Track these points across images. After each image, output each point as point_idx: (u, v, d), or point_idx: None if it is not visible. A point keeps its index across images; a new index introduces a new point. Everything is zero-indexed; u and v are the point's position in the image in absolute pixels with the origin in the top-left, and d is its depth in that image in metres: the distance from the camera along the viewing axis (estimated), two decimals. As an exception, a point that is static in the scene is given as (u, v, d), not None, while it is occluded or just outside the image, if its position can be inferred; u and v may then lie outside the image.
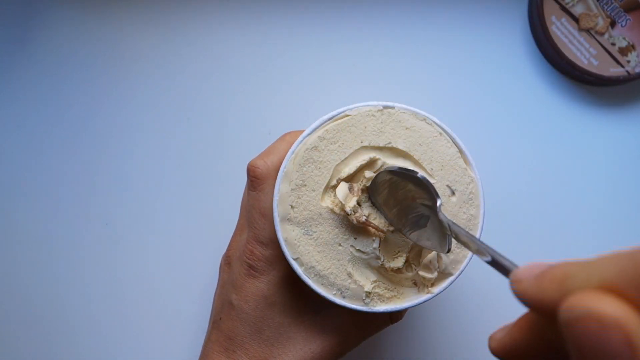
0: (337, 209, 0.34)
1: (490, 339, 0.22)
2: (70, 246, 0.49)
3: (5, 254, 0.49)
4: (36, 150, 0.50)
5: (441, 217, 0.30)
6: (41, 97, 0.50)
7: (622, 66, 0.48)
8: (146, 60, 0.51)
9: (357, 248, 0.34)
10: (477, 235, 0.35)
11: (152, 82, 0.51)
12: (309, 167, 0.34)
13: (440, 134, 0.35)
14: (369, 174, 0.34)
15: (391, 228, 0.34)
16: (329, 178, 0.34)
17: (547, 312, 0.18)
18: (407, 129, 0.34)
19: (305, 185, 0.34)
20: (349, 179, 0.34)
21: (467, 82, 0.50)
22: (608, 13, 0.49)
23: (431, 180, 0.34)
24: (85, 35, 0.51)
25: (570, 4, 0.49)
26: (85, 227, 0.49)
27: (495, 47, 0.51)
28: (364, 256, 0.34)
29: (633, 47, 0.48)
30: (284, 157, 0.35)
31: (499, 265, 0.24)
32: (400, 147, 0.34)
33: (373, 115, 0.34)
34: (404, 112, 0.35)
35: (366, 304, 0.34)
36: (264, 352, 0.37)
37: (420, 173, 0.32)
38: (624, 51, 0.48)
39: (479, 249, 0.26)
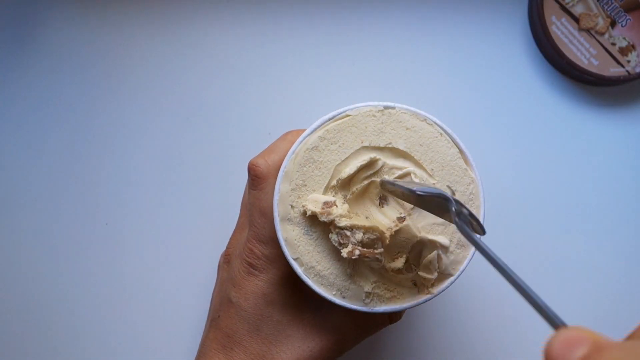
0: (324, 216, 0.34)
1: None
2: (70, 245, 0.49)
3: (6, 253, 0.49)
4: (36, 150, 0.50)
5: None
6: (42, 97, 0.50)
7: (622, 66, 0.48)
8: (146, 61, 0.51)
9: None
10: (478, 236, 0.34)
11: (152, 83, 0.50)
12: (309, 167, 0.34)
13: (441, 134, 0.35)
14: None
15: (381, 249, 0.33)
16: (329, 178, 0.34)
17: None
18: (407, 129, 0.34)
19: (306, 185, 0.34)
20: (349, 179, 0.34)
21: (467, 82, 0.50)
22: (608, 13, 0.49)
23: (431, 181, 0.34)
24: (86, 35, 0.51)
25: (570, 4, 0.49)
26: (85, 226, 0.49)
27: (495, 47, 0.51)
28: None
29: (633, 47, 0.48)
30: (285, 156, 0.35)
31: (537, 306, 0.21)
32: (401, 147, 0.34)
33: (374, 116, 0.34)
34: (405, 113, 0.35)
35: (366, 304, 0.34)
36: (262, 350, 0.37)
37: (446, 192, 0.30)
38: (624, 51, 0.48)
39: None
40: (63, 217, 0.49)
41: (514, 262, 0.48)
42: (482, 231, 0.29)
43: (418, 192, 0.29)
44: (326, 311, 0.38)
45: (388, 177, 0.33)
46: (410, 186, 0.30)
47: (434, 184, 0.34)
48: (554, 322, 0.19)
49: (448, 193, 0.30)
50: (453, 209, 0.28)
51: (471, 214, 0.29)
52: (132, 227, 0.49)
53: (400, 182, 0.32)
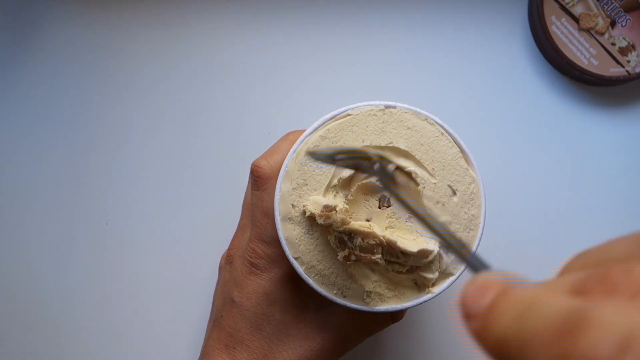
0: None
1: None
2: (70, 245, 0.49)
3: (6, 253, 0.49)
4: (37, 150, 0.50)
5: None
6: (42, 97, 0.50)
7: (622, 66, 0.48)
8: (147, 61, 0.51)
9: None
10: (479, 235, 0.34)
11: (153, 83, 0.50)
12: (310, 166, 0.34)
13: (442, 133, 0.35)
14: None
15: (379, 255, 0.33)
16: (330, 177, 0.34)
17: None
18: (408, 128, 0.34)
19: (307, 184, 0.34)
20: (350, 178, 0.34)
21: (468, 82, 0.50)
22: (608, 13, 0.49)
23: (432, 181, 0.34)
24: (87, 36, 0.51)
25: (570, 4, 0.49)
26: (85, 226, 0.49)
27: (495, 47, 0.51)
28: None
29: (633, 47, 0.49)
30: (287, 156, 0.35)
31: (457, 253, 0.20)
32: (402, 146, 0.34)
33: (375, 115, 0.34)
34: (406, 112, 0.35)
35: (367, 304, 0.34)
36: (264, 349, 0.37)
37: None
38: (624, 51, 0.48)
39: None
40: (63, 217, 0.49)
41: (514, 260, 0.48)
42: (416, 184, 0.32)
43: (336, 158, 0.27)
44: (328, 311, 0.38)
45: (312, 148, 0.33)
46: (328, 151, 0.27)
47: (434, 183, 0.34)
48: (475, 267, 0.18)
49: (370, 152, 0.27)
50: (375, 167, 0.27)
51: (398, 167, 0.31)
52: (133, 228, 0.49)
53: (322, 149, 0.31)
